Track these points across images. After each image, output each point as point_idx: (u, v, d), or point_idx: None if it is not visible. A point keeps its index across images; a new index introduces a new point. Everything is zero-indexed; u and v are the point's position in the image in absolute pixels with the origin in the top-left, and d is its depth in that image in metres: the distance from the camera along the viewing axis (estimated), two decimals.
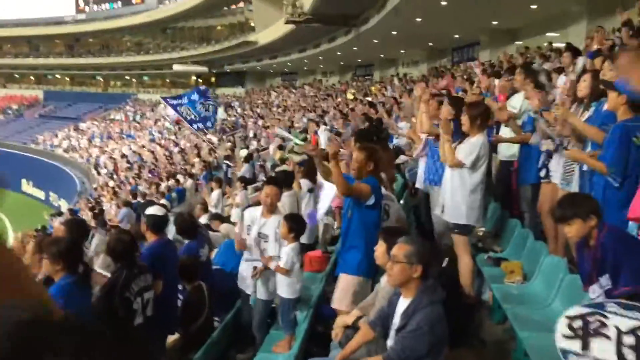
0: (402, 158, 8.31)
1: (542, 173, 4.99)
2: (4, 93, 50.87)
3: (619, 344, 2.20)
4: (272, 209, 4.71)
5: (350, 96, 23.23)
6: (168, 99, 11.88)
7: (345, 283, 4.18)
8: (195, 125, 11.80)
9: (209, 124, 11.51)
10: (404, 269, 2.96)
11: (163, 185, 17.37)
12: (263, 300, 4.62)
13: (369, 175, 4.12)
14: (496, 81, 8.07)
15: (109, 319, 3.66)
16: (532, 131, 5.16)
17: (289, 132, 14.08)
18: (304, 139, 14.45)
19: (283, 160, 12.31)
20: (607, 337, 2.21)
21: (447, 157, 4.72)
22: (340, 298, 4.13)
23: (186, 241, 5.46)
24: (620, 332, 2.22)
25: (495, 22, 19.21)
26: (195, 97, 11.50)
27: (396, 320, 3.01)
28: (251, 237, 4.77)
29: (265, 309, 4.67)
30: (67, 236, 4.48)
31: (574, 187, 4.24)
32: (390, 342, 3.05)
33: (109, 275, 4.48)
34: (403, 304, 3.01)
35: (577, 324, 2.34)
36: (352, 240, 4.24)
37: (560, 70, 7.60)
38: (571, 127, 4.16)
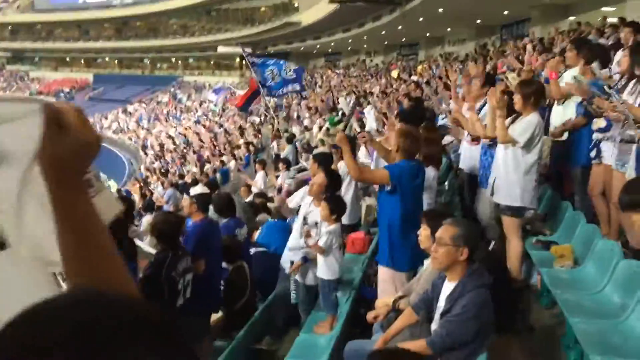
0: (447, 139, 8.12)
1: (593, 153, 4.77)
2: (56, 76, 52.63)
3: None
4: (318, 198, 4.56)
5: (395, 74, 22.86)
6: (252, 56, 11.66)
7: (381, 275, 4.16)
8: (281, 90, 11.42)
9: (296, 85, 11.24)
10: (449, 251, 2.88)
11: (208, 167, 17.65)
12: (306, 286, 4.62)
13: (403, 158, 4.02)
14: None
15: (155, 299, 3.73)
16: (585, 114, 4.94)
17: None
18: (339, 122, 14.32)
19: (322, 142, 12.29)
20: None
21: (499, 133, 4.55)
22: (380, 289, 4.11)
23: (224, 220, 5.49)
24: None
25: None
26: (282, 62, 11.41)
27: (441, 304, 2.95)
28: (298, 222, 4.75)
29: (309, 294, 4.66)
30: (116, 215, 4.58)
31: (630, 170, 4.02)
32: (434, 326, 2.99)
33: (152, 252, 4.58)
34: (448, 287, 2.94)
35: None
36: (380, 228, 4.21)
37: (617, 47, 7.21)
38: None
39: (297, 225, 4.76)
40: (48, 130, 0.74)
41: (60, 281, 0.86)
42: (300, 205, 5.23)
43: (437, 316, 2.98)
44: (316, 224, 4.51)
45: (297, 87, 11.15)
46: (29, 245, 0.81)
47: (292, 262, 4.60)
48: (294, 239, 4.74)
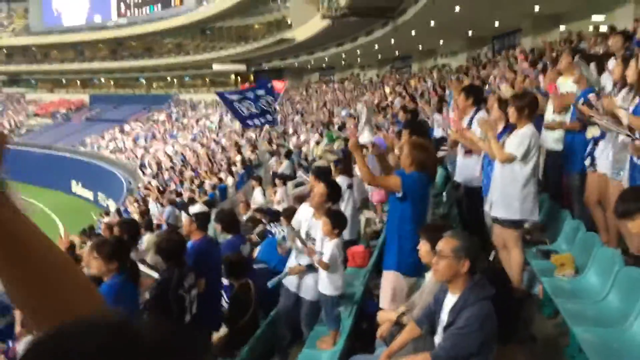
0: (442, 151, 8.16)
1: (587, 162, 4.81)
2: (52, 98, 52.72)
3: None
4: (320, 208, 4.58)
5: (388, 90, 22.99)
6: (225, 94, 11.77)
7: (385, 280, 4.14)
8: (255, 120, 11.55)
9: (269, 117, 11.39)
10: (451, 264, 2.89)
11: (206, 184, 17.64)
12: (309, 301, 4.60)
13: (415, 169, 4.05)
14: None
15: (164, 317, 3.71)
16: (579, 119, 4.98)
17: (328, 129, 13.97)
18: (337, 138, 14.35)
19: (320, 157, 12.30)
20: None
21: (496, 153, 4.57)
22: (382, 296, 4.10)
23: (229, 236, 5.50)
24: None
25: (537, 7, 18.61)
26: (261, 92, 11.43)
27: (444, 317, 2.94)
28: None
29: (312, 308, 4.64)
30: (119, 236, 4.59)
31: (625, 178, 4.05)
32: (437, 339, 2.98)
33: (154, 274, 4.57)
34: (451, 300, 2.94)
35: None
36: (389, 234, 4.23)
37: (608, 56, 7.28)
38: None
39: (295, 245, 4.72)
40: None
41: None
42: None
43: (440, 329, 2.97)
44: (309, 236, 4.53)
45: (270, 119, 11.36)
46: None
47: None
48: (292, 259, 4.74)
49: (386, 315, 3.70)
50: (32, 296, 0.72)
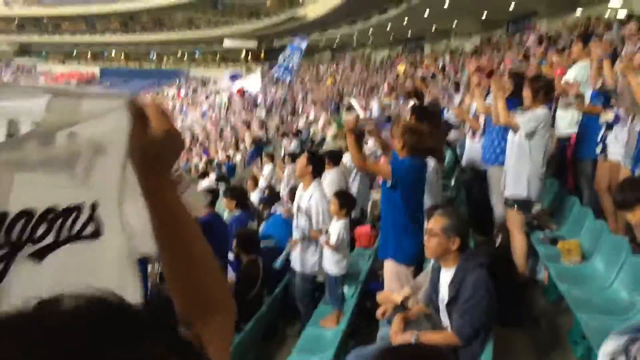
0: (453, 134, 8.10)
1: (599, 149, 4.76)
2: (63, 70, 52.73)
3: None
4: (302, 178, 4.72)
5: (401, 70, 22.78)
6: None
7: (386, 270, 4.15)
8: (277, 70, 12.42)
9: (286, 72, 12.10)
10: (441, 241, 2.95)
11: (214, 161, 17.67)
12: (300, 274, 4.63)
13: (405, 154, 4.01)
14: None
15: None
16: (602, 103, 4.91)
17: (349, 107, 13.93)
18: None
19: (335, 137, 12.25)
20: None
21: (500, 114, 4.57)
22: (387, 285, 4.11)
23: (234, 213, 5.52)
24: None
25: None
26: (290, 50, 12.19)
27: (443, 293, 2.96)
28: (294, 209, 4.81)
29: (304, 282, 4.67)
30: None
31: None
32: (443, 317, 2.99)
33: None
34: (446, 275, 2.98)
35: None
36: (383, 223, 4.24)
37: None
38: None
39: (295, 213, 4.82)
40: (135, 125, 0.77)
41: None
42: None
43: (442, 306, 2.99)
44: (299, 207, 4.63)
45: (288, 78, 12.13)
46: (124, 236, 0.82)
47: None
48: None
49: (390, 297, 3.69)
50: (179, 278, 0.83)
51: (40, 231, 0.75)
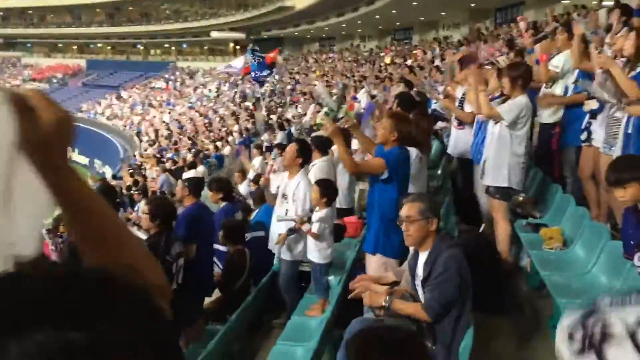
0: (439, 124, 8.12)
1: (584, 136, 4.80)
2: (49, 62, 52.14)
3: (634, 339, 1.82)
4: (289, 167, 4.71)
5: (388, 60, 22.78)
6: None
7: (370, 263, 4.12)
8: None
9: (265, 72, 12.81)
10: (420, 226, 2.99)
11: (202, 153, 17.61)
12: (286, 261, 4.65)
13: (395, 144, 3.98)
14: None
15: None
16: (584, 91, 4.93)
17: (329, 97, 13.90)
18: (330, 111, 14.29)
19: (319, 126, 12.25)
20: (618, 336, 1.74)
21: (482, 108, 4.60)
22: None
23: (220, 204, 5.52)
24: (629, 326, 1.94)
25: None
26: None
27: (419, 272, 3.01)
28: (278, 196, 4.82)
29: (289, 270, 4.68)
30: None
31: (617, 152, 4.03)
32: (420, 296, 3.02)
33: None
34: (423, 256, 3.02)
35: (579, 335, 1.98)
36: (369, 217, 4.21)
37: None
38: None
39: (278, 201, 4.81)
40: (20, 117, 0.72)
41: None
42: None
43: (418, 283, 3.03)
44: (284, 195, 4.63)
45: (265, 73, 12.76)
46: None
47: (279, 235, 4.61)
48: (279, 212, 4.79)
49: (370, 287, 3.57)
50: (94, 249, 0.85)
51: None
